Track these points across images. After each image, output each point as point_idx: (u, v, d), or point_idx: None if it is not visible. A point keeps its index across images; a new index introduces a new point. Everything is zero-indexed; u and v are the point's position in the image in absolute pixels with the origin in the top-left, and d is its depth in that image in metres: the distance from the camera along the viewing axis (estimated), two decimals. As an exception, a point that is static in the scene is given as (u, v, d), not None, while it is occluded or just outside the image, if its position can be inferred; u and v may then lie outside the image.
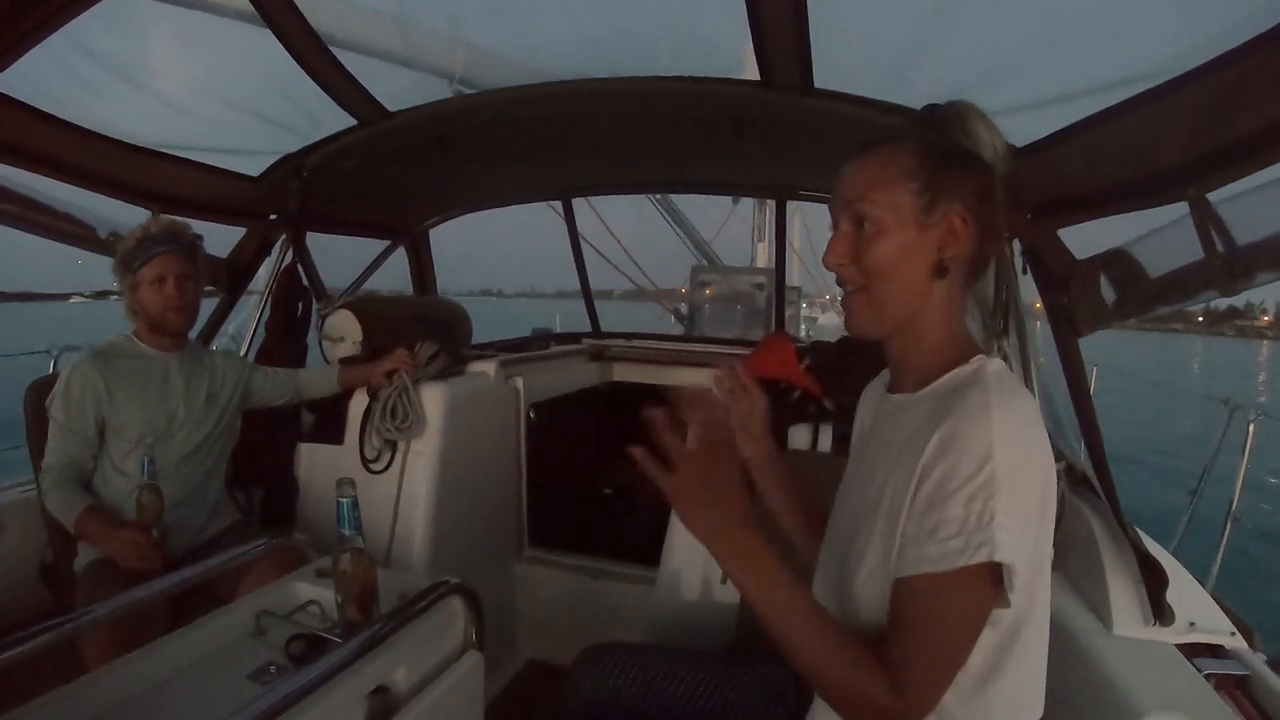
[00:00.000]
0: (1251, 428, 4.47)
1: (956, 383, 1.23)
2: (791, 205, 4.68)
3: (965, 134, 1.25)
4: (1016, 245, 2.36)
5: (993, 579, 1.12)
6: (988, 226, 1.25)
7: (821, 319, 24.83)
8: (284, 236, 3.49)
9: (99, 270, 2.60)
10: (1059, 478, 2.16)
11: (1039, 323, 2.30)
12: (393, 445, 3.04)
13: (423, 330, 3.26)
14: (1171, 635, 1.79)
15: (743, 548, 1.15)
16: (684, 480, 1.14)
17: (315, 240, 3.75)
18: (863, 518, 1.30)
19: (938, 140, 1.25)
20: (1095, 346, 2.09)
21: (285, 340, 3.46)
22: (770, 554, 1.15)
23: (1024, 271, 2.33)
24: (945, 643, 1.14)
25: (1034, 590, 1.21)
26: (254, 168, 3.16)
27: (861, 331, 1.30)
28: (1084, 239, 2.12)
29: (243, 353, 3.43)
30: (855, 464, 1.48)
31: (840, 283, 1.31)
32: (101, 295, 2.58)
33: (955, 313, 1.30)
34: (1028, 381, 2.33)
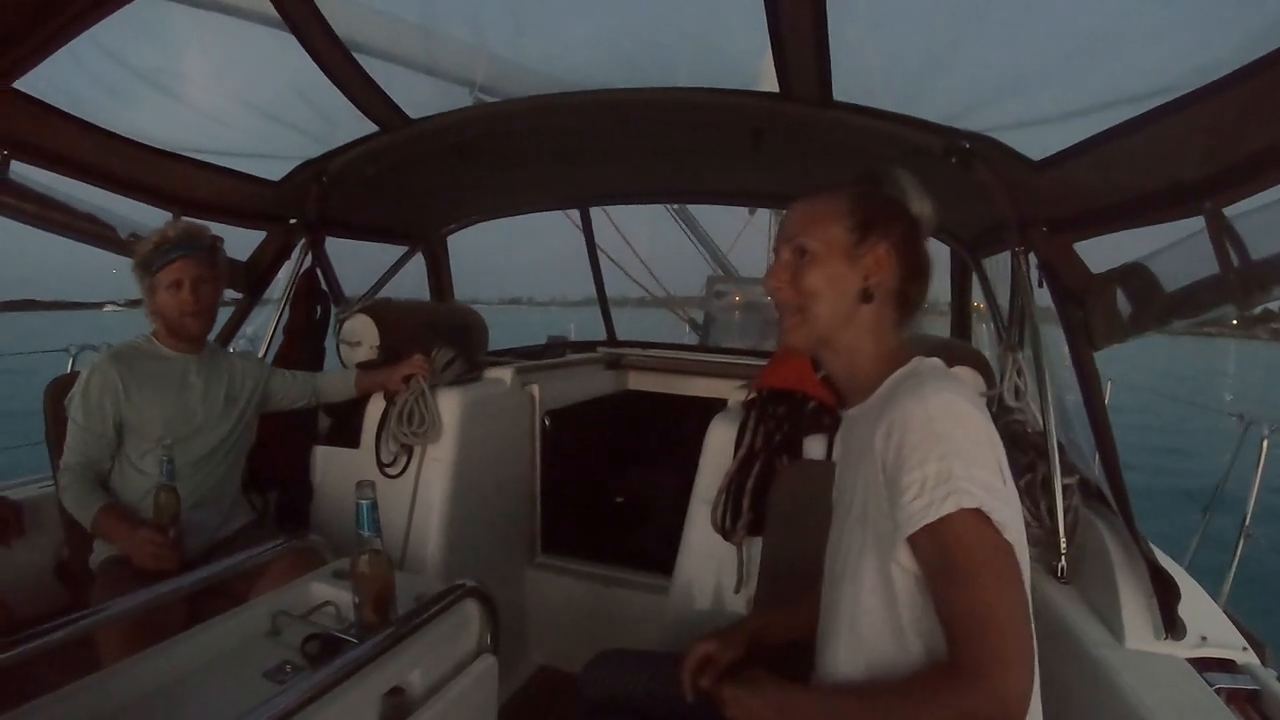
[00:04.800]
0: (1265, 444, 4.44)
1: (896, 381, 1.39)
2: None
3: (899, 192, 1.46)
4: (1032, 259, 2.36)
5: (981, 523, 1.19)
6: (913, 267, 1.45)
7: None
8: (303, 241, 3.51)
9: (133, 278, 2.61)
10: (1072, 491, 2.16)
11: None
12: (408, 450, 3.06)
13: (439, 336, 3.28)
14: (1183, 649, 1.78)
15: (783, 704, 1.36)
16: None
17: (334, 245, 3.77)
18: (843, 523, 1.46)
19: (871, 190, 1.47)
20: (1116, 354, 2.10)
21: (303, 343, 3.47)
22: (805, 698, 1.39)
23: (1040, 285, 2.33)
24: (974, 590, 1.18)
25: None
26: (275, 172, 3.19)
27: (795, 345, 1.49)
28: (1100, 253, 2.12)
29: (260, 355, 3.44)
30: (837, 484, 1.61)
31: (777, 305, 1.50)
32: (136, 304, 2.59)
33: (888, 336, 1.46)
34: (1042, 394, 2.33)
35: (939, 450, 1.19)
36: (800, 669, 1.59)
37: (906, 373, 1.38)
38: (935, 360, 1.41)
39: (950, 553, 1.19)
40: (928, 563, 1.23)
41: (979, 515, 1.18)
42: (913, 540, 1.23)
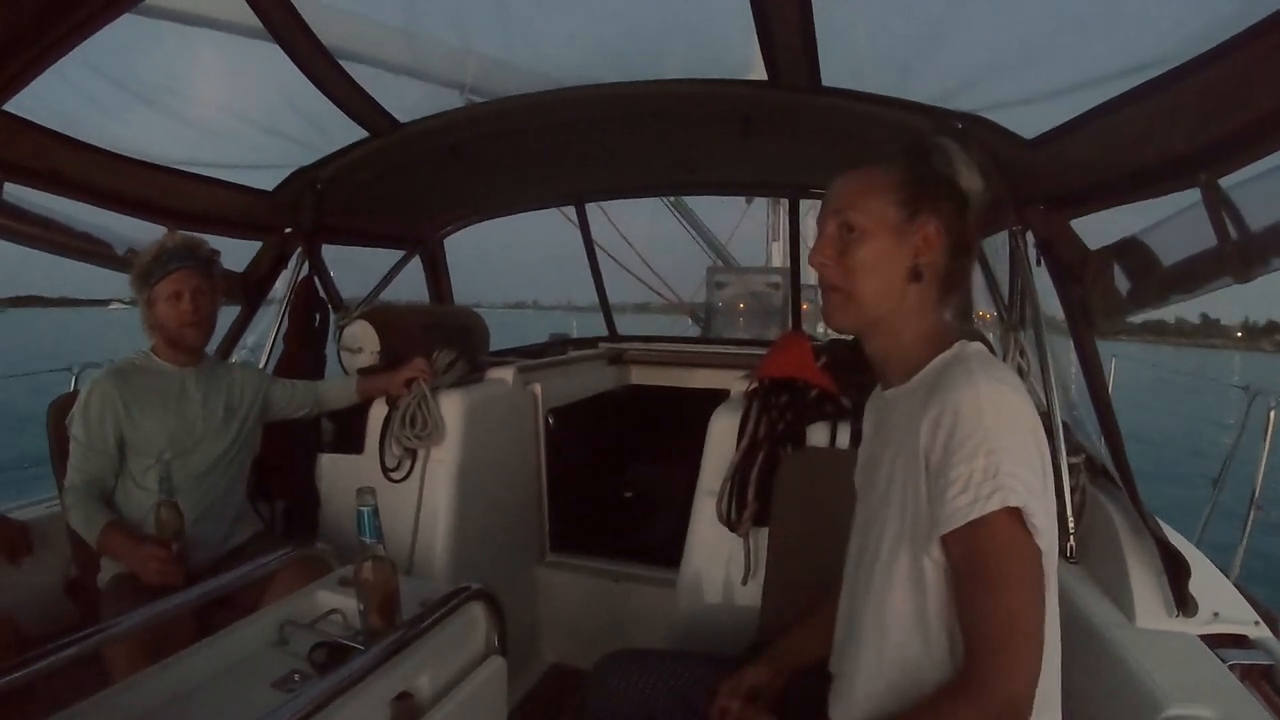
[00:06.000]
0: (1272, 414, 4.41)
1: (941, 366, 1.34)
2: (805, 204, 4.67)
3: (948, 166, 1.39)
4: (1030, 238, 2.35)
5: (1017, 526, 1.18)
6: (960, 244, 1.39)
7: None
8: (300, 249, 3.51)
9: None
10: (1079, 470, 2.15)
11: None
12: (412, 454, 3.05)
13: (440, 338, 3.27)
14: (1195, 626, 1.77)
15: None
16: None
17: (332, 252, 3.77)
18: (876, 507, 1.42)
19: (921, 164, 1.40)
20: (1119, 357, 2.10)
21: (303, 352, 3.47)
22: None
23: (1038, 264, 2.32)
24: (1001, 597, 1.18)
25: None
26: (268, 182, 3.19)
27: (839, 326, 1.45)
28: (1097, 229, 2.11)
29: (261, 364, 3.44)
30: (865, 466, 1.58)
31: (821, 281, 1.45)
32: (140, 301, 2.60)
33: (930, 315, 1.41)
34: (1044, 373, 2.32)
35: (988, 445, 1.17)
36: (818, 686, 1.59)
37: (950, 358, 1.34)
38: (979, 345, 1.36)
39: (981, 555, 1.19)
40: (956, 561, 1.23)
41: (1018, 516, 1.17)
42: (948, 536, 1.22)
